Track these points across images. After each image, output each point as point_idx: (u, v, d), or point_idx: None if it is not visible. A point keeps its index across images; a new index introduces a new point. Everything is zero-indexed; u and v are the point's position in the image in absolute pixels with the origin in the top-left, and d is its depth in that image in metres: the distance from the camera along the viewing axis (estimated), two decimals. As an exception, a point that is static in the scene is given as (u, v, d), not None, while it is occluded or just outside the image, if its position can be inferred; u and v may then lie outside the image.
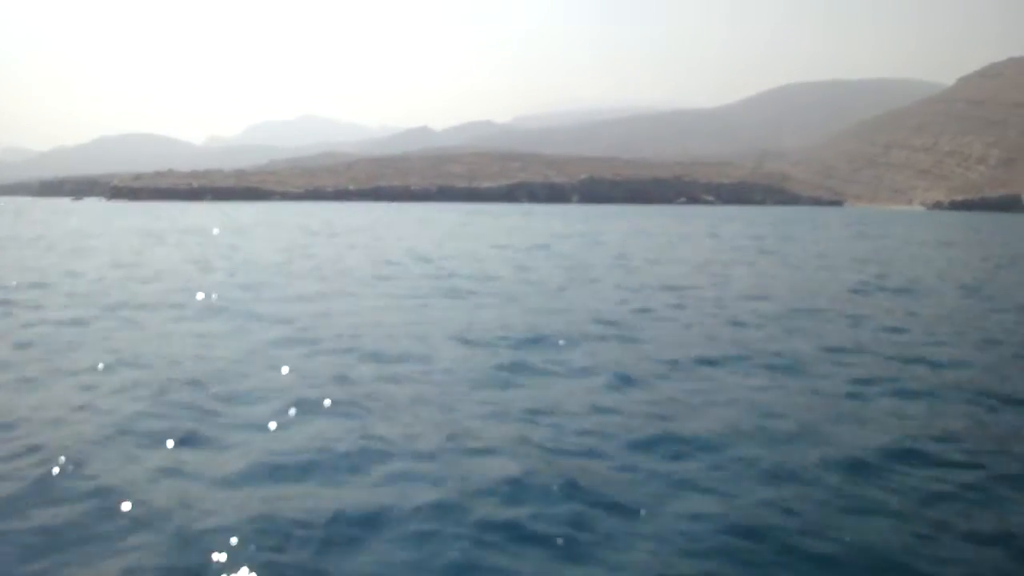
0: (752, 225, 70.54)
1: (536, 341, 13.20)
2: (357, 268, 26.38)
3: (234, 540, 5.85)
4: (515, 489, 6.83)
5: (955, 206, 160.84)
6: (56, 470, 7.15)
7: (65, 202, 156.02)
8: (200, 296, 18.72)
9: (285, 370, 10.94)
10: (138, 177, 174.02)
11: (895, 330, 14.85)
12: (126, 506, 6.44)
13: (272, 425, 8.53)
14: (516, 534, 6.07)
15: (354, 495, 6.73)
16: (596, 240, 44.34)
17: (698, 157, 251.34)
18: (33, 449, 7.69)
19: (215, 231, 50.28)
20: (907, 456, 7.71)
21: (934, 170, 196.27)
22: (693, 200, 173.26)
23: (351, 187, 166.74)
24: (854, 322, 15.75)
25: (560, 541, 5.96)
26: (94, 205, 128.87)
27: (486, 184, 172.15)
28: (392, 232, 50.65)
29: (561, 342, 13.13)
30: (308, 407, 9.13)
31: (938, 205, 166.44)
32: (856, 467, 7.42)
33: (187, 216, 77.27)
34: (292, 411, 8.98)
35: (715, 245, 41.84)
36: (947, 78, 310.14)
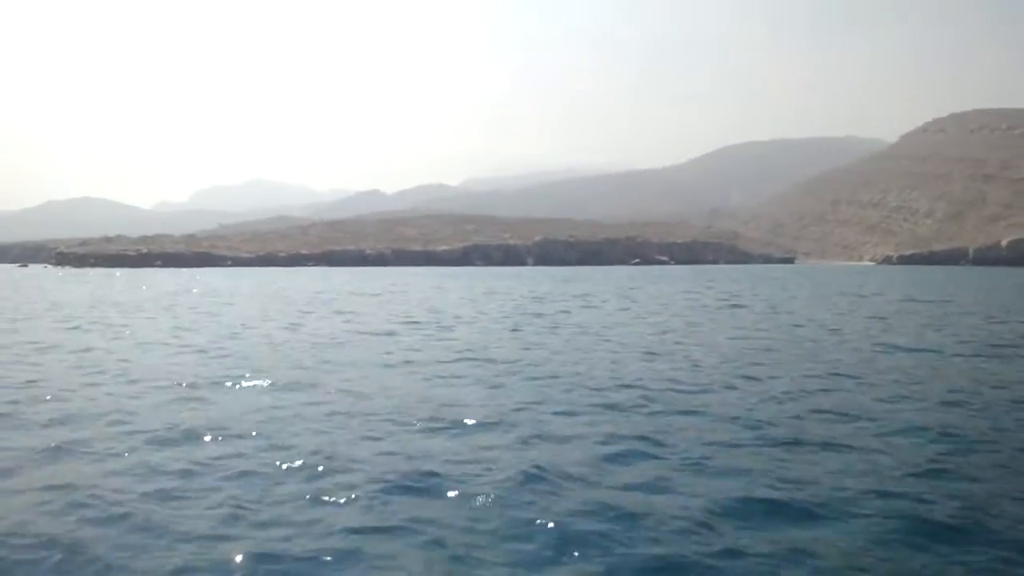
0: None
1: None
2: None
3: None
4: None
5: (904, 260, 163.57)
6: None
7: (14, 269, 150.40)
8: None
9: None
10: (85, 243, 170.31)
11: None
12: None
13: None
14: None
15: None
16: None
17: (649, 217, 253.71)
18: None
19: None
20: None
21: (882, 225, 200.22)
22: (647, 261, 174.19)
23: (304, 251, 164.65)
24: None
25: None
26: (46, 273, 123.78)
27: (441, 247, 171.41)
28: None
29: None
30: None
31: (887, 260, 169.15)
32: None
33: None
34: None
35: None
36: (889, 135, 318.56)
